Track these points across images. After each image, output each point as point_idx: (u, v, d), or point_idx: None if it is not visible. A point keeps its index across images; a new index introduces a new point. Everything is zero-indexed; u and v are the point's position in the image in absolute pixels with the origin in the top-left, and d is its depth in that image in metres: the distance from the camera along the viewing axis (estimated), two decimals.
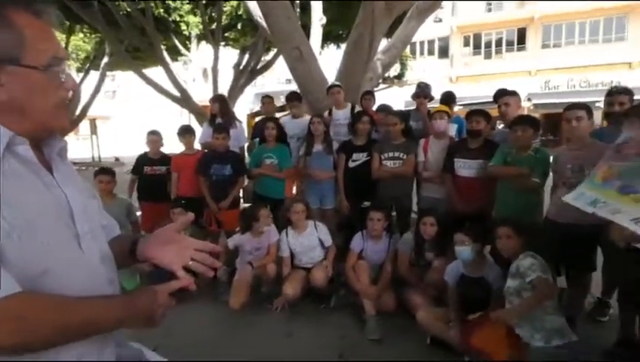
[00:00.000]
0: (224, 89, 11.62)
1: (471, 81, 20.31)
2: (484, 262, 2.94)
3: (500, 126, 4.04)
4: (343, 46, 6.83)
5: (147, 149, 4.60)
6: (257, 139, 4.73)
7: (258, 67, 12.22)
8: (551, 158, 3.15)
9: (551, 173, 3.11)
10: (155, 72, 12.36)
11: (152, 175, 4.51)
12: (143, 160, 4.58)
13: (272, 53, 12.24)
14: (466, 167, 3.55)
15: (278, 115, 5.48)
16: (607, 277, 3.09)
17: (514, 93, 3.84)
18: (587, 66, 18.79)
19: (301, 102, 4.87)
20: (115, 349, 0.97)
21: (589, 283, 3.06)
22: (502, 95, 3.84)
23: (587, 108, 2.91)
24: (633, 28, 19.07)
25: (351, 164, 4.09)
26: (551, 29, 20.70)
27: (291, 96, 4.81)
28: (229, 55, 13.67)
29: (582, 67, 18.93)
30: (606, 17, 19.50)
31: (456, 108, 5.21)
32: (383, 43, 6.91)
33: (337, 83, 4.92)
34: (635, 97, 3.23)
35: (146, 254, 1.00)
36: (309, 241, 3.71)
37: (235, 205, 4.32)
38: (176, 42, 11.93)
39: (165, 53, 10.80)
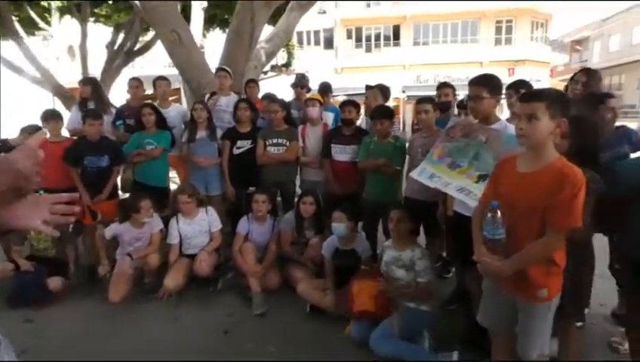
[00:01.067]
0: (96, 70, 10.49)
1: (354, 72, 21.57)
2: (355, 237, 3.33)
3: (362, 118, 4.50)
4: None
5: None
6: (120, 122, 4.49)
7: (135, 48, 11.27)
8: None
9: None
10: (6, 47, 10.55)
11: None
12: None
13: (151, 34, 11.39)
14: (341, 152, 3.89)
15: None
16: (447, 240, 3.76)
17: (380, 87, 4.32)
18: (449, 63, 21.46)
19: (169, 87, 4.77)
20: None
21: (438, 246, 3.70)
22: (367, 89, 4.31)
23: (433, 101, 3.48)
24: (484, 32, 22.40)
25: (235, 151, 4.17)
26: (420, 28, 23.11)
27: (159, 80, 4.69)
28: (101, 33, 12.31)
29: (445, 64, 21.54)
30: (463, 21, 22.53)
31: (341, 98, 5.60)
32: (267, 31, 7.02)
33: (225, 67, 4.88)
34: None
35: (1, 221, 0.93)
36: (200, 226, 3.75)
37: (112, 195, 4.06)
38: (32, 14, 10.32)
39: (18, 26, 9.30)
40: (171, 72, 6.17)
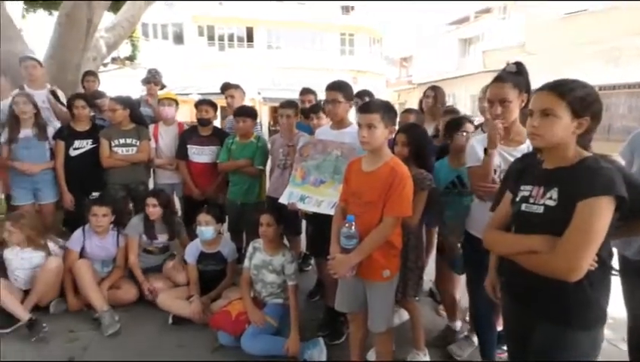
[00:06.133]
0: None
1: (207, 70, 20.92)
2: (220, 239, 3.26)
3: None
4: (57, 13, 5.81)
5: None
6: None
7: None
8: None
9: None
10: None
11: None
12: None
13: None
14: (198, 153, 3.76)
15: None
16: (307, 237, 4.02)
17: (237, 87, 4.31)
18: (301, 68, 22.63)
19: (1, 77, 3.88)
20: None
21: (299, 242, 3.90)
22: (227, 88, 4.26)
23: (295, 105, 3.62)
24: (331, 42, 24.38)
25: (73, 153, 3.64)
26: (273, 33, 23.82)
27: None
28: None
29: (297, 68, 22.64)
30: (312, 30, 24.09)
31: (195, 97, 5.31)
32: (108, 20, 6.31)
33: (32, 55, 4.13)
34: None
35: None
36: (30, 256, 3.07)
37: None
38: None
39: None
40: None
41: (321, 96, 4.24)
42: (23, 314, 2.83)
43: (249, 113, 3.64)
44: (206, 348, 2.72)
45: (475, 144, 2.19)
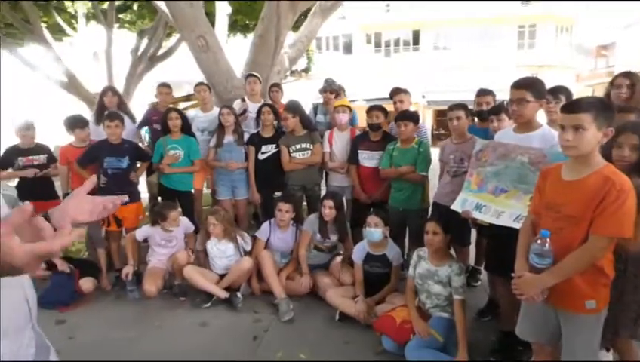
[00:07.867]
0: (120, 76, 10.73)
1: (373, 76, 21.52)
2: (386, 242, 3.28)
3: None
4: (250, 36, 6.83)
5: (18, 141, 4.00)
6: (145, 128, 4.50)
7: (159, 53, 11.49)
8: (432, 150, 3.58)
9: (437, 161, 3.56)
10: (35, 51, 10.88)
11: (29, 166, 3.94)
12: (13, 151, 3.96)
13: (173, 39, 11.61)
14: (368, 158, 3.86)
15: (184, 105, 5.29)
16: (477, 249, 3.68)
17: (406, 91, 4.27)
18: (470, 68, 21.20)
19: (210, 93, 4.75)
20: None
21: (467, 254, 3.61)
22: (396, 93, 4.25)
23: (465, 107, 3.37)
24: (506, 36, 22.11)
25: (260, 156, 4.17)
26: (441, 33, 22.98)
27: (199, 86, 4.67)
28: (125, 38, 12.59)
29: (466, 68, 21.28)
30: (484, 26, 22.28)
31: (361, 103, 5.49)
32: (290, 37, 7.07)
33: (255, 73, 4.86)
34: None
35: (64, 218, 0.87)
36: (224, 253, 3.63)
37: (134, 199, 3.90)
38: (59, 20, 10.60)
39: (46, 32, 9.59)
40: (196, 77, 6.21)
41: (500, 96, 3.90)
42: (220, 293, 3.38)
43: (410, 117, 3.57)
44: (370, 349, 2.75)
45: None
